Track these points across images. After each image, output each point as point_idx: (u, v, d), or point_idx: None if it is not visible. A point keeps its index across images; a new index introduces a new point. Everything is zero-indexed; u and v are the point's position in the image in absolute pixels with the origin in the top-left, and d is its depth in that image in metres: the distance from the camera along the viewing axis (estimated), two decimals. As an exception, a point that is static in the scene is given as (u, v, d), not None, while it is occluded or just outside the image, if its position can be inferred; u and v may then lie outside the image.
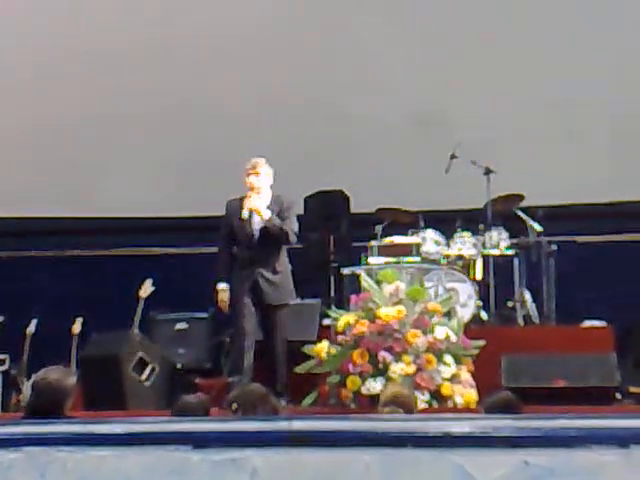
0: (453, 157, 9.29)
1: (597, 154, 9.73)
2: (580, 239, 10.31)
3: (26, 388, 8.80)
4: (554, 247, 9.39)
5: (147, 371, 7.90)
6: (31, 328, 9.29)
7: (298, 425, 2.46)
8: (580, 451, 2.39)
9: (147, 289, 8.36)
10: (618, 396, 7.87)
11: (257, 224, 7.91)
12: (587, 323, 8.64)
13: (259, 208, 7.88)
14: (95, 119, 10.99)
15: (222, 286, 7.88)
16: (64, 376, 5.09)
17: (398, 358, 7.50)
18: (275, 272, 7.89)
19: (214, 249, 11.10)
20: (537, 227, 9.18)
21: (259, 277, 7.84)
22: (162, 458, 2.44)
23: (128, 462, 2.46)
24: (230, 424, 2.53)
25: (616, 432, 2.42)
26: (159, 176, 11.10)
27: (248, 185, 7.93)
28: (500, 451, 2.43)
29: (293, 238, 7.94)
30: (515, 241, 9.26)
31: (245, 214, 7.88)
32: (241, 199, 7.97)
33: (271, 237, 7.87)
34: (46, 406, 4.89)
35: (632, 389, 8.13)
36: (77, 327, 9.01)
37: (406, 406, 5.46)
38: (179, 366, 8.79)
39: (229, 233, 7.97)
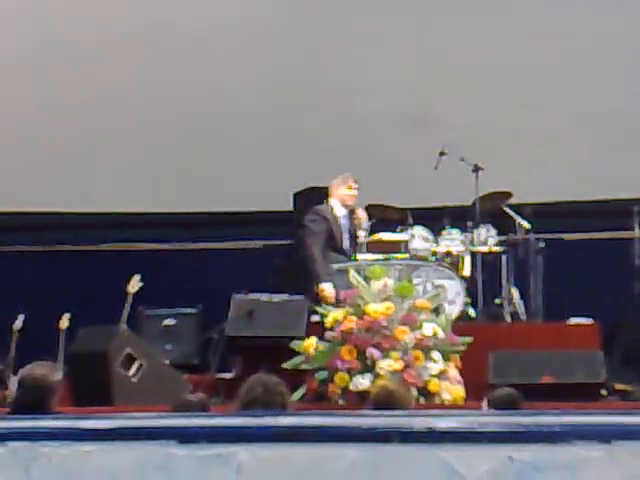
0: (442, 154, 9.30)
1: (584, 152, 9.76)
2: (567, 236, 10.33)
3: (12, 384, 8.78)
4: (542, 244, 9.42)
5: (135, 367, 7.89)
6: (18, 324, 9.27)
7: (284, 421, 2.47)
8: (564, 447, 2.41)
9: (135, 285, 8.35)
10: (604, 393, 7.90)
11: (345, 234, 8.67)
12: (574, 320, 8.66)
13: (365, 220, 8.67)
14: (82, 113, 10.97)
15: (327, 285, 8.27)
16: (50, 372, 5.09)
17: (386, 354, 7.52)
18: None
19: (202, 245, 11.13)
20: (525, 224, 9.20)
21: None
22: (148, 453, 2.45)
23: (114, 457, 2.46)
24: (216, 419, 2.54)
25: (599, 428, 2.44)
26: (146, 171, 11.08)
27: (349, 196, 8.69)
28: (485, 447, 2.45)
29: None
30: (503, 238, 9.28)
31: (347, 221, 8.66)
32: (329, 208, 8.67)
33: (353, 244, 8.68)
34: (32, 402, 4.88)
35: (618, 386, 8.16)
36: (64, 323, 8.99)
37: (402, 404, 5.45)
38: (167, 362, 8.78)
39: (327, 239, 8.55)
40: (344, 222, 8.69)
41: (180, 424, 2.47)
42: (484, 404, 5.76)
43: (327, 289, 8.26)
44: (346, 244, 8.64)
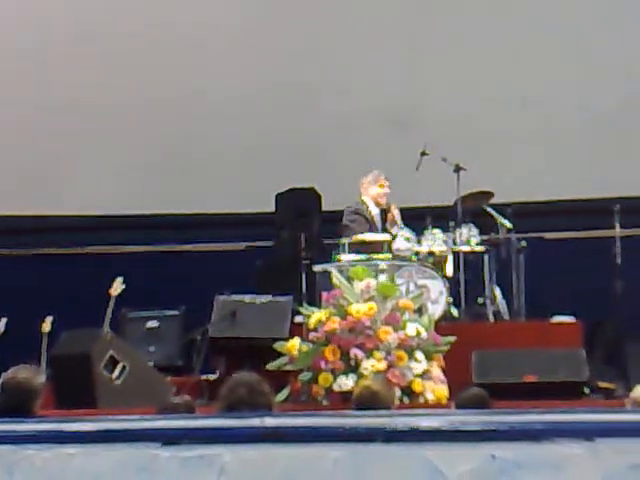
0: (423, 154, 9.32)
1: (565, 152, 9.79)
2: (549, 236, 10.37)
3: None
4: (523, 244, 9.45)
5: (118, 370, 7.87)
6: (0, 327, 9.24)
7: (267, 422, 2.47)
8: (546, 444, 2.42)
9: (118, 287, 8.33)
10: (587, 391, 7.93)
11: (379, 230, 8.75)
12: (556, 319, 8.69)
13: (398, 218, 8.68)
14: (62, 116, 10.93)
15: None
16: (33, 375, 5.07)
17: (369, 355, 7.53)
18: None
19: (185, 247, 11.11)
20: (507, 224, 9.23)
21: None
22: (131, 455, 2.45)
23: (97, 460, 2.46)
24: (199, 421, 2.54)
25: (581, 426, 2.45)
26: (129, 173, 11.06)
27: (382, 194, 8.74)
28: (468, 445, 2.46)
29: None
30: (485, 238, 9.30)
31: (380, 218, 8.70)
32: (364, 206, 8.71)
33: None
34: (15, 405, 4.87)
35: (601, 384, 8.20)
36: (47, 326, 8.96)
37: (385, 403, 5.45)
38: (151, 364, 8.77)
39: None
40: (378, 220, 8.79)
41: (163, 426, 2.47)
42: (452, 405, 5.76)
43: None
44: None
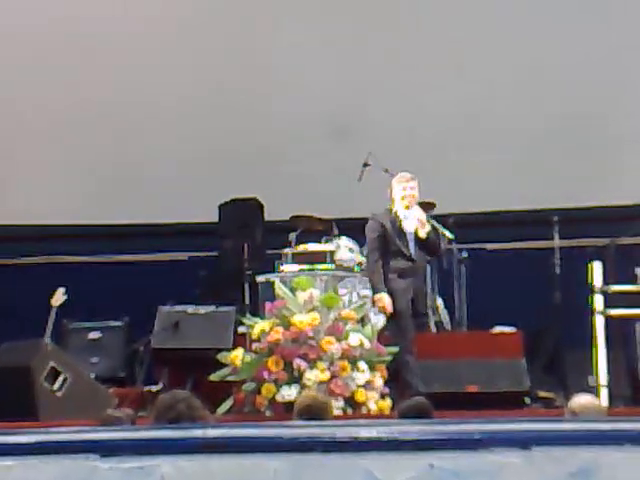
0: (366, 165, 9.37)
1: (505, 163, 9.90)
2: (490, 246, 10.47)
3: None
4: (465, 254, 9.54)
5: (59, 381, 7.81)
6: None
7: (207, 432, 2.48)
8: (483, 453, 2.45)
9: (59, 298, 8.27)
10: (527, 401, 8.02)
11: (410, 235, 8.03)
12: (497, 329, 8.77)
13: (424, 220, 8.01)
14: (5, 121, 10.81)
15: (381, 295, 7.90)
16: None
17: (313, 365, 7.54)
18: (424, 282, 8.34)
19: (129, 257, 11.03)
20: (448, 234, 9.30)
21: (417, 289, 8.07)
22: (71, 467, 2.44)
23: (36, 472, 2.45)
24: (138, 432, 2.54)
25: (518, 435, 2.48)
26: (70, 183, 10.96)
27: (408, 197, 8.01)
28: (407, 455, 2.48)
29: (441, 250, 8.42)
30: (428, 248, 9.35)
31: (411, 223, 7.99)
32: (389, 211, 8.07)
33: (426, 249, 8.11)
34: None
35: (541, 393, 8.29)
36: (-13, 337, 8.86)
37: (322, 414, 5.49)
38: (93, 375, 8.71)
39: (384, 245, 8.00)
40: (407, 224, 8.02)
41: (103, 437, 2.46)
42: (395, 415, 5.81)
43: (381, 299, 7.88)
44: (412, 246, 8.02)
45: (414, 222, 7.95)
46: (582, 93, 10.35)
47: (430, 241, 8.03)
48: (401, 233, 7.99)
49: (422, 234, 7.96)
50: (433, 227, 8.14)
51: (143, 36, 10.76)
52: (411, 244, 8.03)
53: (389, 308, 7.88)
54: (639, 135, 10.42)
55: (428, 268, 9.23)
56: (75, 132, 10.89)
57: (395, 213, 8.02)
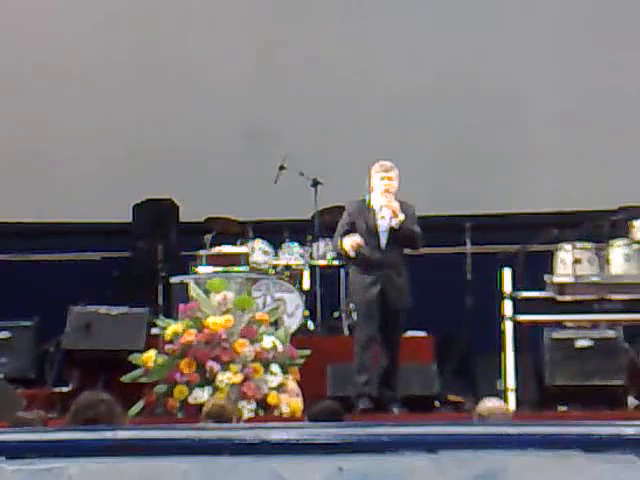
0: (282, 168, 9.39)
1: (418, 168, 9.99)
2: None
3: None
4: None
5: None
6: None
7: (115, 434, 2.46)
8: (392, 456, 2.47)
9: (-33, 297, 8.13)
10: (437, 404, 8.11)
11: (384, 227, 7.71)
12: (409, 333, 8.85)
13: (397, 210, 7.66)
14: None
15: (344, 238, 7.64)
16: None
17: (225, 367, 7.54)
18: (399, 275, 7.80)
19: (40, 256, 10.88)
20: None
21: (387, 281, 7.71)
22: (-25, 470, 2.41)
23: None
24: (46, 434, 2.51)
25: (425, 438, 2.51)
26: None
27: (383, 186, 7.68)
28: (316, 457, 2.49)
29: (422, 243, 7.85)
30: (342, 252, 9.40)
31: (385, 213, 7.67)
32: (363, 201, 7.78)
33: (400, 240, 7.75)
34: None
35: (451, 397, 8.39)
36: None
37: (229, 418, 5.51)
38: (1, 376, 8.58)
39: (349, 232, 7.72)
40: (381, 215, 7.71)
41: (8, 439, 2.44)
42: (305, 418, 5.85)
43: (344, 241, 7.65)
44: (383, 238, 7.72)
45: (388, 212, 7.69)
46: (494, 103, 10.52)
47: (403, 232, 7.71)
48: (373, 225, 7.73)
49: (393, 223, 7.67)
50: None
51: (57, 28, 10.63)
52: (383, 236, 7.76)
53: (358, 240, 7.64)
54: (548, 146, 10.62)
55: (342, 272, 9.23)
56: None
57: (368, 203, 7.76)
